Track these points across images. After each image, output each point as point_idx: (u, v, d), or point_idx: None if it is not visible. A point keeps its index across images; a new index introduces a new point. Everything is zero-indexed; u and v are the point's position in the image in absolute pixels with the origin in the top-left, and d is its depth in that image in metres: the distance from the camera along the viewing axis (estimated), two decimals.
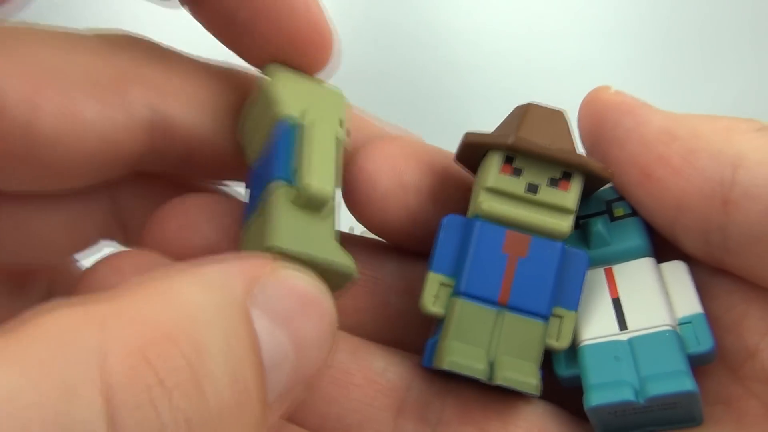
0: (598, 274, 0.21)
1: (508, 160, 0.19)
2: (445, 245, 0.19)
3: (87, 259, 0.22)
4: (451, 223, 0.19)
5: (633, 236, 0.21)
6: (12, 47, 0.17)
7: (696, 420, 0.19)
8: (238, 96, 0.20)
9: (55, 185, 0.19)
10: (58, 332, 0.12)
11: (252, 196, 0.19)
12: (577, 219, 0.21)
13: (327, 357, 0.15)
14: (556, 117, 0.20)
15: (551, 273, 0.19)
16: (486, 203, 0.19)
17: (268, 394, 0.14)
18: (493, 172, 0.19)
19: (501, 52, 0.58)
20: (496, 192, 0.19)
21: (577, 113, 0.21)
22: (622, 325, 0.20)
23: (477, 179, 0.20)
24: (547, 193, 0.19)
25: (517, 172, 0.19)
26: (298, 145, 0.18)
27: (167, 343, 0.12)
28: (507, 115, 0.20)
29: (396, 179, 0.20)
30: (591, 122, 0.21)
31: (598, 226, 0.21)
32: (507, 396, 0.19)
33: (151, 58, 0.19)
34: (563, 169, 0.19)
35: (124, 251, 0.20)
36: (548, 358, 0.20)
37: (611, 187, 0.21)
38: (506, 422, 0.19)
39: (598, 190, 0.21)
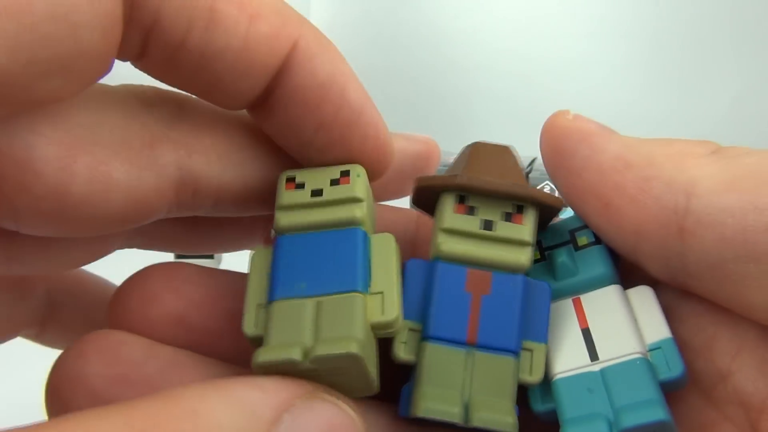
0: (566, 305, 0.21)
1: (461, 199, 0.19)
2: (409, 291, 0.19)
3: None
4: (413, 267, 0.19)
5: (598, 265, 0.21)
6: (48, 107, 0.17)
7: None
8: (264, 137, 0.20)
9: (81, 235, 0.19)
10: None
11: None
12: (543, 250, 0.21)
13: None
14: (503, 152, 0.20)
15: (516, 307, 0.19)
16: (444, 244, 0.19)
17: None
18: (448, 212, 0.19)
19: (501, 52, 0.58)
20: (453, 232, 0.19)
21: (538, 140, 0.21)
22: (593, 355, 0.20)
23: (434, 221, 0.20)
24: (502, 228, 0.19)
25: (471, 210, 0.19)
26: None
27: None
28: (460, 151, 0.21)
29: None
30: (550, 151, 0.21)
31: (563, 256, 0.21)
32: None
33: (179, 114, 0.19)
34: (515, 203, 0.19)
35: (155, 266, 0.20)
36: (523, 395, 0.20)
37: (575, 216, 0.21)
38: None
39: (554, 217, 0.21)
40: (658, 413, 0.18)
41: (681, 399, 0.19)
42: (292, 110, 0.19)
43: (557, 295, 0.21)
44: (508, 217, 0.19)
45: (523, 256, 0.19)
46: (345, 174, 0.19)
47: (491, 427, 0.18)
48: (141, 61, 0.18)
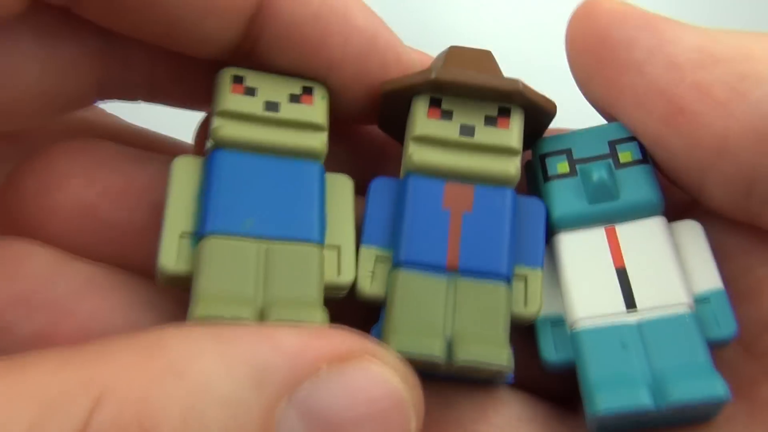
0: (597, 236, 0.17)
1: (435, 102, 0.16)
2: (375, 212, 0.16)
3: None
4: (379, 186, 0.17)
5: (644, 188, 0.17)
6: None
7: (709, 418, 0.15)
8: None
9: (2, 128, 0.17)
10: (51, 393, 0.10)
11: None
12: (574, 163, 0.17)
13: None
14: (484, 56, 0.17)
15: (504, 224, 0.16)
16: (417, 154, 0.16)
17: None
18: (420, 118, 0.16)
19: (501, 52, 0.53)
20: (427, 140, 0.16)
21: (565, 34, 0.17)
22: (630, 302, 0.16)
23: (405, 135, 0.17)
24: (485, 134, 0.16)
25: (447, 115, 0.16)
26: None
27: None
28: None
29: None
30: (590, 41, 0.17)
31: (602, 172, 0.17)
32: (472, 395, 0.16)
33: None
34: (498, 103, 0.16)
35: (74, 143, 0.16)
36: (523, 337, 0.16)
37: (616, 125, 0.17)
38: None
39: (544, 130, 0.17)
40: (717, 388, 0.14)
41: (716, 351, 0.16)
42: (290, 53, 0.16)
43: (587, 221, 0.17)
44: (490, 122, 0.16)
45: (511, 166, 0.16)
46: (308, 91, 0.16)
47: (481, 363, 0.14)
48: (78, 6, 0.15)
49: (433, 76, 0.16)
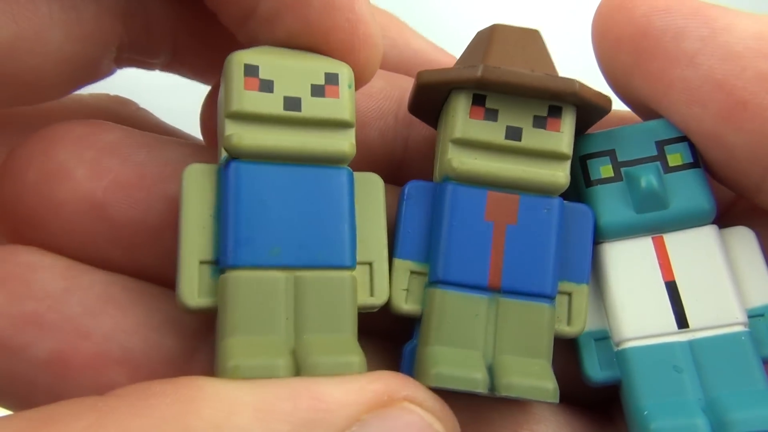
0: (644, 246, 0.16)
1: (478, 100, 0.15)
2: (409, 222, 0.15)
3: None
4: (414, 192, 0.15)
5: (696, 196, 0.16)
6: None
7: None
8: None
9: (34, 98, 0.15)
10: None
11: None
12: (618, 165, 0.16)
13: None
14: (530, 38, 0.15)
15: (551, 238, 0.15)
16: (456, 159, 0.15)
17: None
18: (460, 118, 0.15)
19: None
20: (468, 144, 0.15)
21: (592, 26, 0.16)
22: (681, 321, 0.15)
23: (441, 132, 0.16)
24: (533, 137, 0.15)
25: (491, 115, 0.15)
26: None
27: None
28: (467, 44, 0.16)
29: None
30: (627, 33, 0.15)
31: (650, 178, 0.15)
32: (507, 412, 0.15)
33: None
34: (550, 102, 0.15)
35: (67, 123, 0.15)
36: (558, 344, 0.15)
37: (662, 122, 0.16)
38: None
39: (590, 127, 0.16)
40: None
41: None
42: None
43: (633, 230, 0.16)
44: (539, 123, 0.15)
45: (561, 173, 0.15)
46: (332, 80, 0.14)
47: (525, 397, 0.14)
48: None
49: (479, 73, 0.14)
